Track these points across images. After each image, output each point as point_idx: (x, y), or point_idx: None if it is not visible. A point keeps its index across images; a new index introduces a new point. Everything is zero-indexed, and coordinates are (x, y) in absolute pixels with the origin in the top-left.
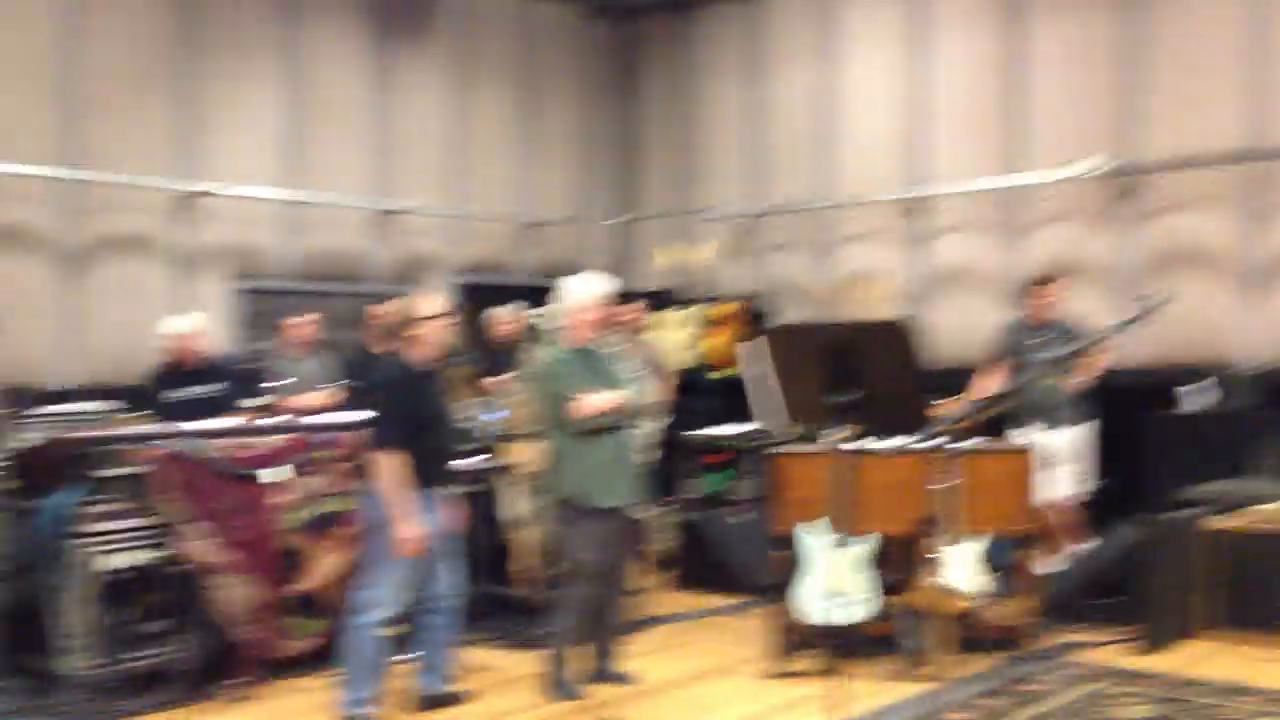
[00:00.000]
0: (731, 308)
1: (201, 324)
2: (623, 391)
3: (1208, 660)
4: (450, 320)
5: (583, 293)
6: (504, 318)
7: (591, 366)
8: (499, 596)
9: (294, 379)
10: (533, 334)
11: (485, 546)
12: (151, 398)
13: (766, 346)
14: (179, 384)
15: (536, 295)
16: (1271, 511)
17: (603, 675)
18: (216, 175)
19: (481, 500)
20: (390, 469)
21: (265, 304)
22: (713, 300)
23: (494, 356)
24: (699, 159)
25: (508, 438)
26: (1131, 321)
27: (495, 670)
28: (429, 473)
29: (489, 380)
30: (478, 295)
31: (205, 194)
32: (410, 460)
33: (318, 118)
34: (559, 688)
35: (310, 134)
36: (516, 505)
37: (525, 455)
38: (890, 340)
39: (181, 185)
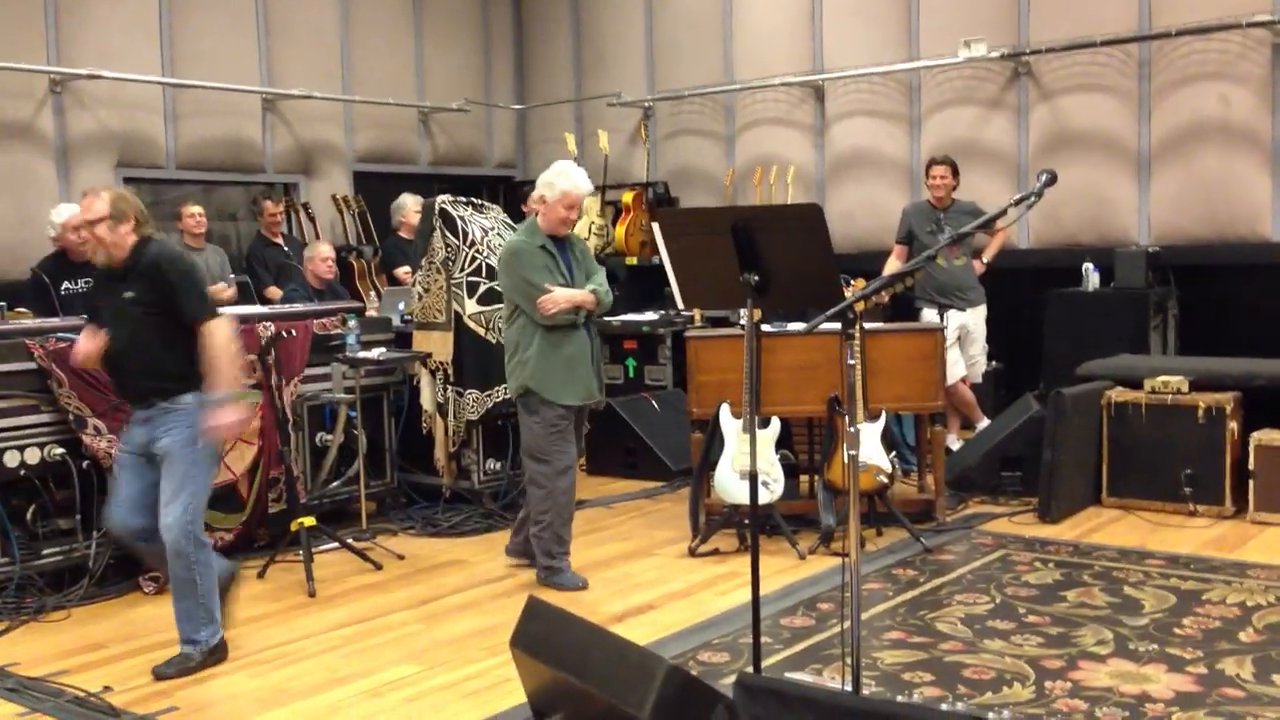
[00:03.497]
0: (637, 195)
1: None
2: (591, 288)
3: (1107, 526)
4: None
5: (563, 182)
6: (408, 207)
7: (558, 259)
8: (420, 485)
9: None
10: (437, 222)
11: (405, 436)
12: (45, 290)
13: (671, 231)
14: (74, 275)
15: (437, 184)
16: (1164, 383)
17: (555, 575)
18: (95, 60)
19: (398, 390)
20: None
21: (154, 194)
22: (619, 188)
23: (399, 247)
24: (598, 45)
25: (421, 327)
26: (1023, 200)
27: (416, 559)
28: None
29: (400, 270)
30: (378, 185)
31: (83, 77)
32: None
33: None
34: (561, 577)
35: (189, 18)
36: (430, 396)
37: (437, 345)
38: (798, 224)
39: (58, 69)
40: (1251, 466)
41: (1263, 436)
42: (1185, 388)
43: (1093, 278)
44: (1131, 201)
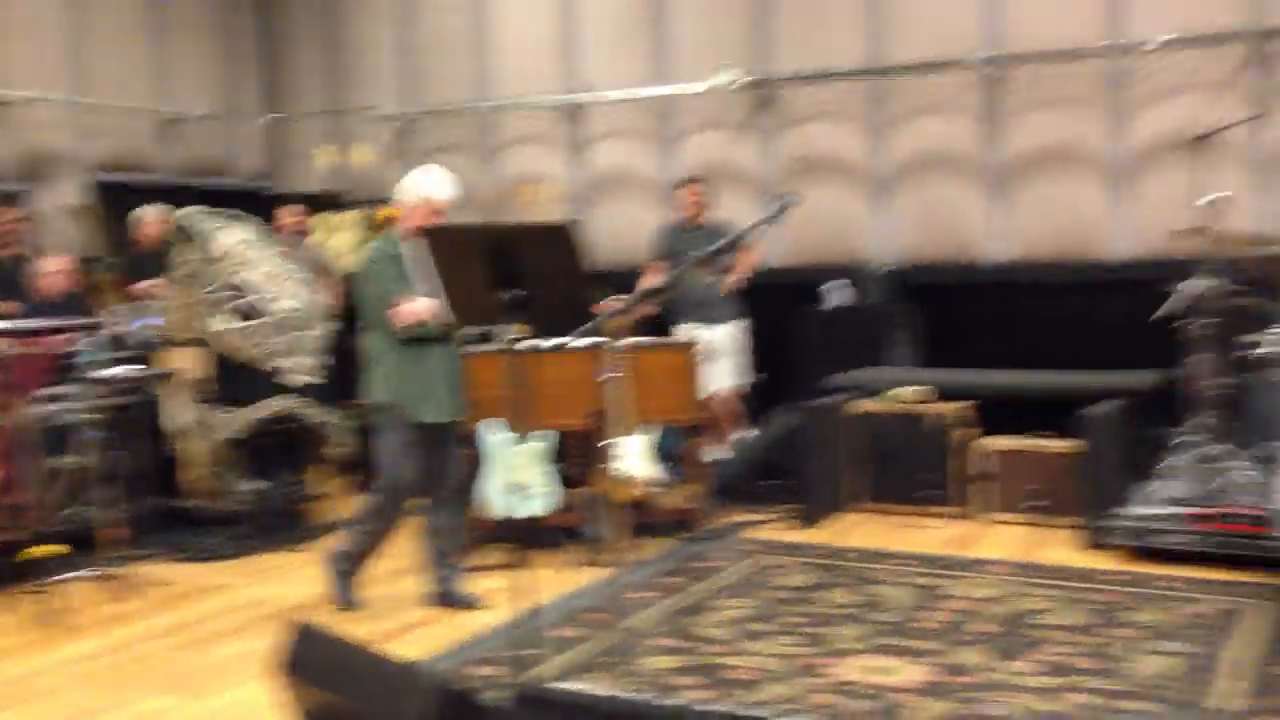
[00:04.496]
0: (395, 211)
1: None
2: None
3: (856, 530)
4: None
5: (424, 188)
6: (150, 219)
7: (416, 270)
8: (169, 509)
9: None
10: (183, 235)
11: (149, 458)
12: None
13: (437, 247)
14: None
15: (181, 195)
16: (904, 394)
17: (448, 598)
18: None
19: (141, 410)
20: None
21: None
22: (376, 203)
23: (140, 260)
24: (351, 56)
25: (166, 344)
26: (766, 221)
27: (172, 585)
28: None
29: (137, 286)
30: (116, 195)
31: None
32: None
33: None
34: (342, 596)
35: None
36: (180, 415)
37: (186, 362)
38: (553, 241)
39: None
40: (982, 470)
41: (995, 442)
42: (924, 398)
43: (835, 296)
44: (871, 223)
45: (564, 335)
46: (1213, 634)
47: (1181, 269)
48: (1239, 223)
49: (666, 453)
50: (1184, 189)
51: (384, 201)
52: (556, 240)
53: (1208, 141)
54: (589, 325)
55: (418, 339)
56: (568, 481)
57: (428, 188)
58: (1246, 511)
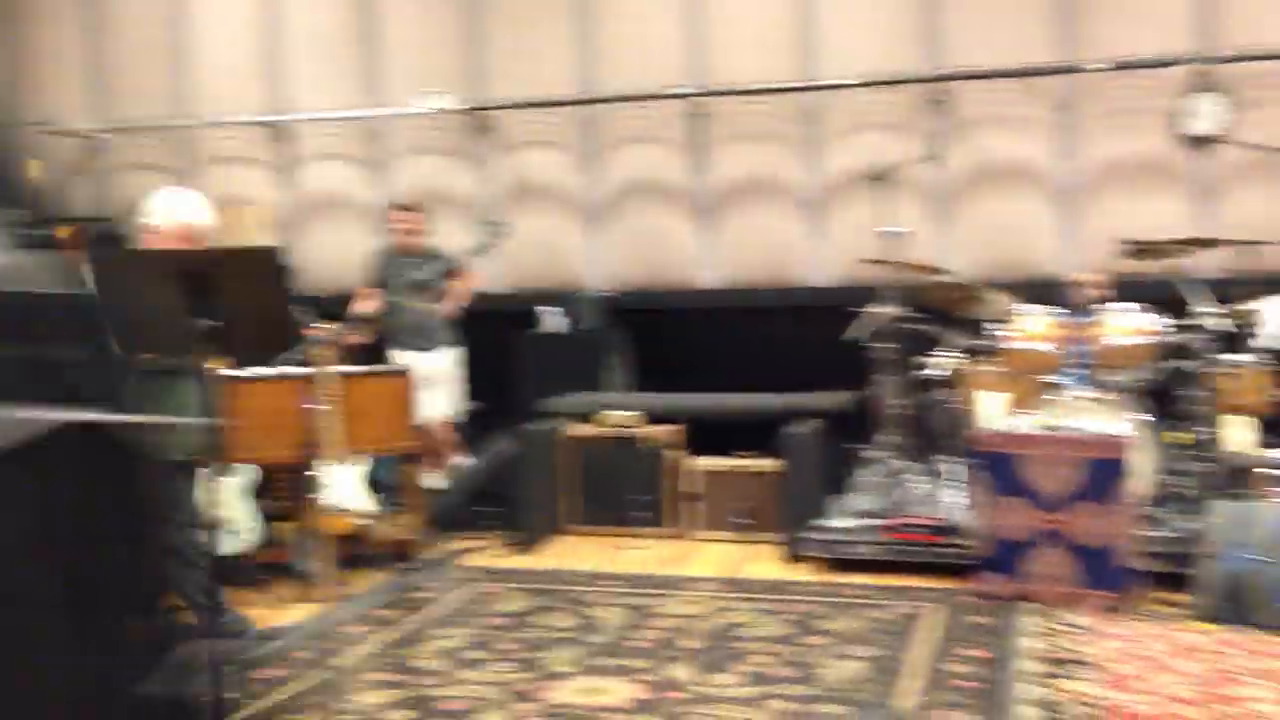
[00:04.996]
0: (76, 231)
1: None
2: None
3: (573, 553)
4: None
5: (185, 212)
6: None
7: None
8: None
9: None
10: None
11: None
12: None
13: (107, 272)
14: None
15: None
16: (618, 418)
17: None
18: None
19: None
20: None
21: None
22: (54, 221)
23: None
24: (33, 66)
25: None
26: (479, 248)
27: None
28: None
29: None
30: None
31: None
32: None
33: None
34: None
35: None
36: None
37: None
38: (255, 267)
39: None
40: (692, 490)
41: (703, 463)
42: (636, 421)
43: (552, 321)
44: (586, 250)
45: (269, 364)
46: (896, 637)
47: (870, 295)
48: (917, 253)
49: (381, 483)
50: (870, 220)
51: (57, 221)
52: (259, 265)
53: (890, 176)
54: (295, 353)
55: (164, 370)
56: (275, 516)
57: (186, 213)
58: (923, 521)
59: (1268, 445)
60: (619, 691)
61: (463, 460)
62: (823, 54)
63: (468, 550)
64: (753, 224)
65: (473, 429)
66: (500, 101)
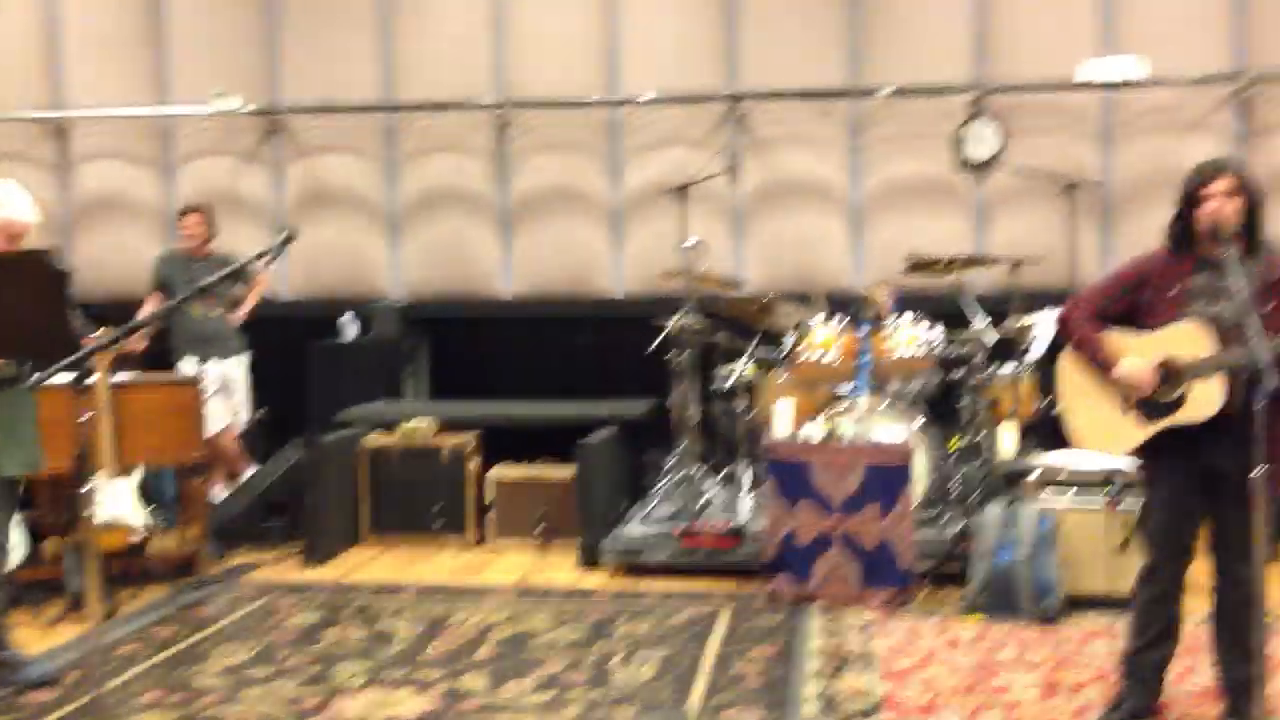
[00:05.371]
0: None
1: None
2: None
3: (367, 565)
4: None
5: (6, 207)
6: None
7: None
8: None
9: None
10: None
11: None
12: None
13: None
14: None
15: None
16: (415, 427)
17: None
18: None
19: None
20: None
21: None
22: None
23: None
24: None
25: None
26: (269, 253)
27: None
28: None
29: None
30: None
31: None
32: None
33: None
34: None
35: None
36: None
37: None
38: (24, 270)
39: None
40: (489, 499)
41: (499, 472)
42: (433, 430)
43: (351, 329)
44: (385, 257)
45: (38, 370)
46: (689, 640)
47: (669, 306)
48: (715, 266)
49: (163, 495)
50: (670, 233)
51: None
52: (29, 269)
53: (689, 191)
54: (69, 361)
55: None
56: (44, 531)
57: (7, 208)
58: (716, 527)
59: (1033, 450)
60: (409, 703)
61: (251, 471)
62: (625, 69)
63: (255, 564)
64: (555, 235)
65: (265, 439)
66: (293, 105)
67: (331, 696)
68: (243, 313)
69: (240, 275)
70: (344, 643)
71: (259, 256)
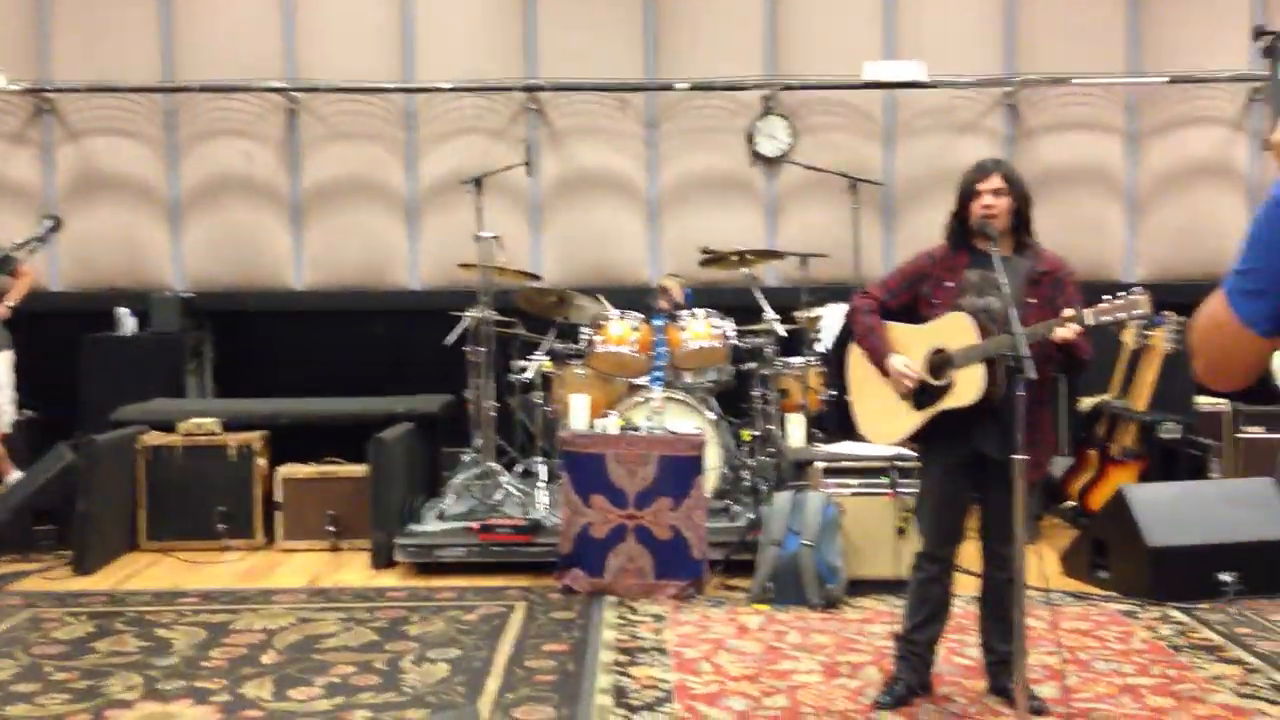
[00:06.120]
0: None
1: None
2: None
3: (144, 572)
4: None
5: None
6: None
7: None
8: None
9: None
10: None
11: None
12: None
13: None
14: None
15: None
16: (198, 425)
17: None
18: None
19: None
20: None
21: None
22: None
23: None
24: None
25: None
26: (34, 241)
27: None
28: None
29: None
30: None
31: None
32: None
33: None
34: None
35: None
36: None
37: None
38: None
39: None
40: (278, 499)
41: (287, 471)
42: (218, 429)
43: (128, 322)
44: (166, 247)
45: None
46: (483, 637)
47: (466, 299)
48: (513, 258)
49: None
50: (467, 225)
51: None
52: None
53: (487, 182)
54: None
55: None
56: None
57: None
58: (512, 522)
59: (818, 439)
60: (187, 715)
61: (15, 474)
62: (421, 57)
63: (21, 574)
64: (349, 225)
65: (32, 440)
66: (64, 84)
67: (103, 711)
68: (6, 306)
69: (2, 265)
70: (117, 655)
71: (22, 245)
